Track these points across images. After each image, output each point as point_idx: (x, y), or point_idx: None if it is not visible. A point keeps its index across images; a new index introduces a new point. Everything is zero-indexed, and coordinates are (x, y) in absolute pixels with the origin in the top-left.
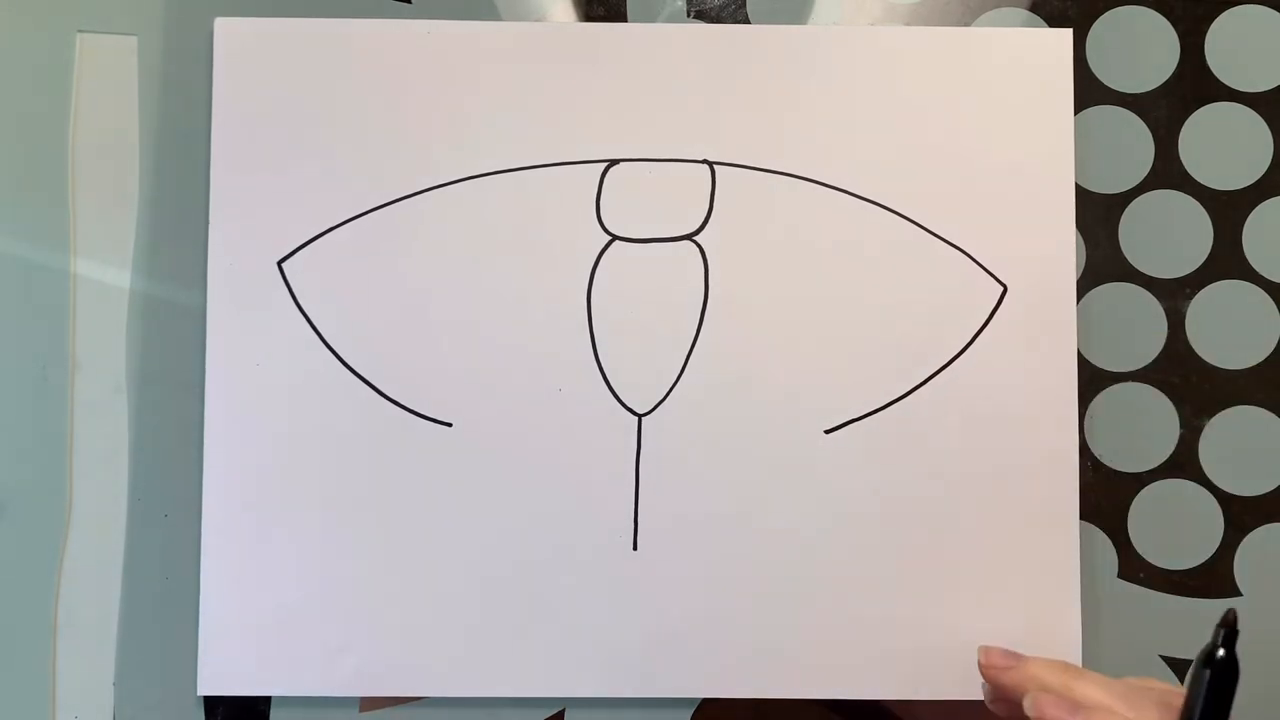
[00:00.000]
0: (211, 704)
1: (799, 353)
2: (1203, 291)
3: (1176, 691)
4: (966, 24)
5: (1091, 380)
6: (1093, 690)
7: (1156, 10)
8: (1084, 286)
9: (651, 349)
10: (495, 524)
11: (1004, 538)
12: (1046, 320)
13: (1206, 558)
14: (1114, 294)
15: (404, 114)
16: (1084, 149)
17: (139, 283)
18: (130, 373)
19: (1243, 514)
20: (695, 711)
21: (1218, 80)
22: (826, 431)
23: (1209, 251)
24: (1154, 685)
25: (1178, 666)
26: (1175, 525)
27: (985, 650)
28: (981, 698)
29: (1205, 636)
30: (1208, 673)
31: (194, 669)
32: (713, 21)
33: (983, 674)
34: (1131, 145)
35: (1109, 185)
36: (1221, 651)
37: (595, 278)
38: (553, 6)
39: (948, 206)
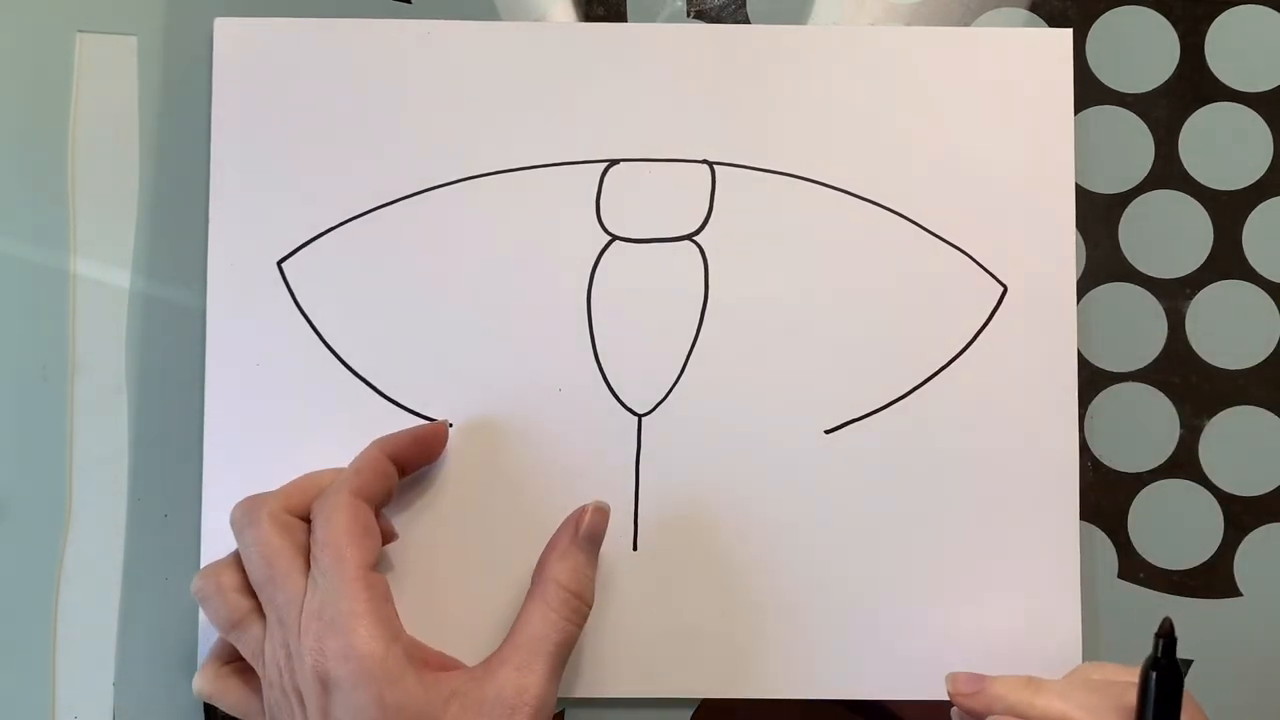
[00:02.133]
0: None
1: (799, 352)
2: (1203, 291)
3: (1131, 682)
4: (966, 24)
5: (1091, 380)
6: (1054, 703)
7: (1156, 10)
8: (1084, 286)
9: (651, 349)
10: (494, 524)
11: (1004, 538)
12: (1046, 320)
13: (1206, 558)
14: (1114, 294)
15: (404, 114)
16: (1084, 149)
17: (139, 283)
18: (130, 373)
19: (1243, 514)
20: (695, 711)
21: (1218, 80)
22: (826, 431)
23: (1209, 251)
24: (1111, 677)
25: None
26: (1175, 525)
27: (951, 678)
28: None
29: (1205, 637)
30: (1154, 676)
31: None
32: (713, 21)
33: (952, 701)
34: (1131, 145)
35: (1109, 185)
36: (1164, 660)
37: (595, 278)
38: (553, 6)
39: (948, 206)
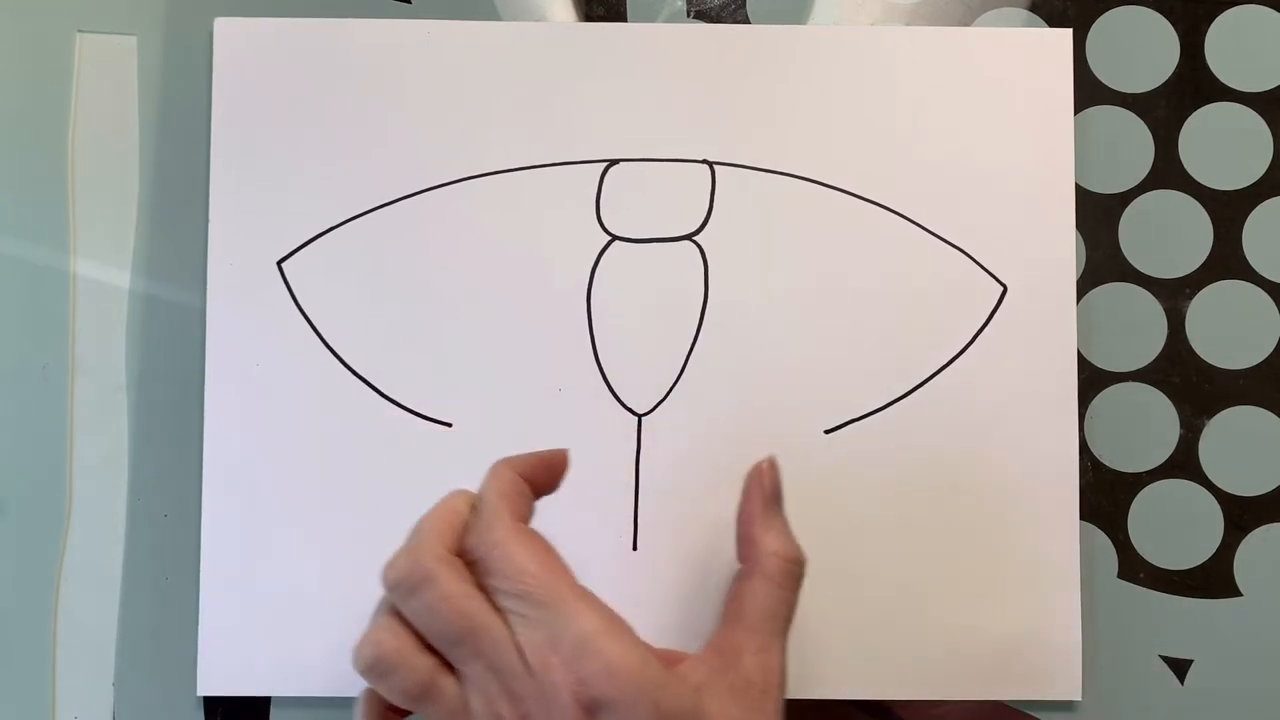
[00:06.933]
0: (211, 704)
1: (799, 353)
2: (1203, 291)
3: None
4: (966, 24)
5: (1091, 380)
6: None
7: (1156, 10)
8: (1084, 286)
9: (651, 349)
10: None
11: (1004, 538)
12: (1046, 320)
13: (1206, 558)
14: (1114, 294)
15: (404, 114)
16: (1084, 149)
17: (139, 283)
18: (130, 373)
19: (1243, 514)
20: None
21: (1218, 80)
22: (826, 431)
23: (1209, 251)
24: None
25: (1177, 667)
26: (1175, 525)
27: None
28: (980, 698)
29: (1205, 637)
30: None
31: (194, 669)
32: (713, 21)
33: None
34: (1131, 145)
35: (1109, 185)
36: None
37: (595, 278)
38: (552, 6)
39: (948, 206)
